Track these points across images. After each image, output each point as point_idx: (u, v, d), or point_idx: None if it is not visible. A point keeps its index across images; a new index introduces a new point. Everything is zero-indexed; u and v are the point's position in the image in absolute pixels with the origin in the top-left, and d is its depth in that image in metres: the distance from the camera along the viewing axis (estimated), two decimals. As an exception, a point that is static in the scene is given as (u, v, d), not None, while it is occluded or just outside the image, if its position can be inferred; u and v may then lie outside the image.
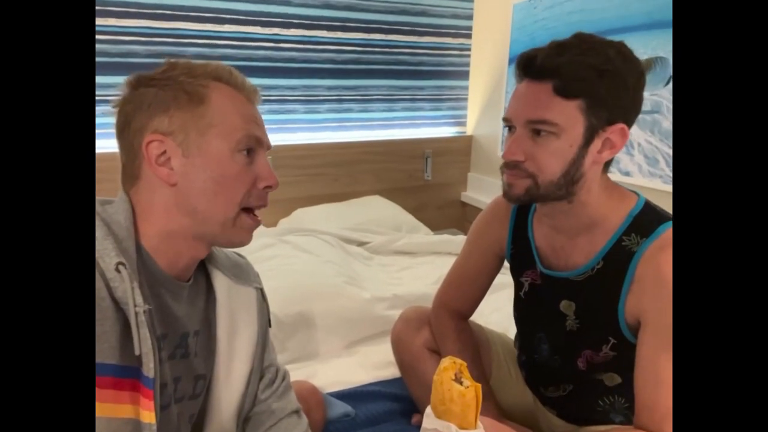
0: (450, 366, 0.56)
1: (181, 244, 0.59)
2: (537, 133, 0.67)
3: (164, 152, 0.56)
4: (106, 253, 0.52)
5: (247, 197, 0.59)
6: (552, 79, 0.64)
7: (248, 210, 0.61)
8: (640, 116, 1.52)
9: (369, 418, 1.03)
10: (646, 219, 0.70)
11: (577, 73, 0.63)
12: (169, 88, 0.57)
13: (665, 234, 0.67)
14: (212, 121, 0.57)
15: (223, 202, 0.58)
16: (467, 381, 0.56)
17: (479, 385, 0.56)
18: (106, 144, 1.79)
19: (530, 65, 0.66)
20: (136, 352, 0.52)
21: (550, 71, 0.64)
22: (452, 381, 0.55)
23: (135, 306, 0.52)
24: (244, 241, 0.62)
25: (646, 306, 0.67)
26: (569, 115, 0.65)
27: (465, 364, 0.57)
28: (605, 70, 0.63)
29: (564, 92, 0.64)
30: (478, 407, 0.56)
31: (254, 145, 0.60)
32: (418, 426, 0.60)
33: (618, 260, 0.70)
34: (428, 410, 0.57)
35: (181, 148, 0.56)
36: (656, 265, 0.66)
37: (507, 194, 0.73)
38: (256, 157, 0.60)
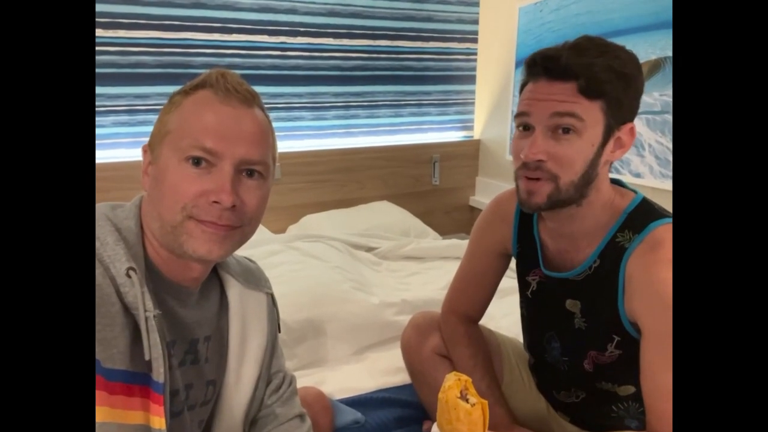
0: (455, 384, 0.55)
1: (170, 254, 0.58)
2: (560, 131, 0.65)
3: (149, 161, 0.58)
4: (117, 258, 0.53)
5: (190, 208, 0.54)
6: (576, 79, 0.64)
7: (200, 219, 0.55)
8: (651, 117, 1.51)
9: (379, 425, 1.02)
10: (639, 215, 0.70)
11: (601, 74, 0.63)
12: (171, 97, 0.58)
13: (656, 232, 0.67)
14: (169, 128, 0.56)
15: (167, 206, 0.54)
16: (473, 398, 0.55)
17: (485, 402, 0.55)
18: (116, 154, 1.82)
19: (554, 65, 0.65)
20: (146, 357, 0.52)
21: (575, 72, 0.64)
22: (458, 399, 0.54)
23: (145, 311, 0.52)
24: (197, 250, 0.55)
25: (639, 310, 0.67)
26: (592, 115, 0.65)
27: (470, 380, 0.56)
28: (624, 72, 0.65)
29: (588, 92, 0.64)
30: (485, 424, 0.55)
31: (204, 155, 0.54)
32: None
33: (612, 257, 0.70)
34: (434, 429, 0.57)
35: (153, 155, 0.57)
36: (645, 266, 0.65)
37: (526, 203, 0.70)
38: (213, 169, 0.55)
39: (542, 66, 0.66)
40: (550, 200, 0.68)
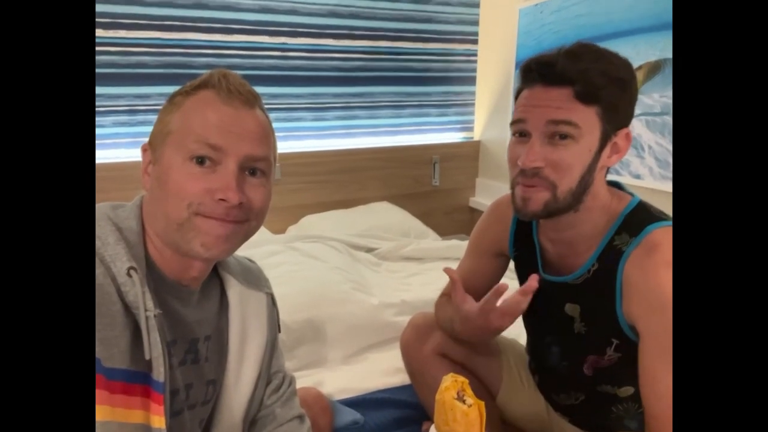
0: (452, 385, 0.56)
1: (173, 253, 0.58)
2: (557, 137, 0.65)
3: (150, 161, 0.58)
4: (118, 258, 0.53)
5: (196, 205, 0.54)
6: (572, 85, 0.64)
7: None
8: (651, 118, 1.52)
9: (378, 426, 1.02)
10: (636, 218, 0.70)
11: (596, 80, 0.64)
12: (172, 98, 0.59)
13: (652, 235, 0.66)
14: (171, 128, 0.56)
15: (173, 204, 0.54)
16: (470, 399, 0.55)
17: (482, 403, 0.55)
18: (117, 154, 1.82)
19: (549, 70, 0.65)
20: (147, 357, 0.52)
21: (570, 78, 0.64)
22: (455, 400, 0.54)
23: (146, 310, 0.52)
24: (205, 244, 0.55)
25: (637, 313, 0.67)
26: (588, 121, 0.65)
27: (467, 381, 0.57)
28: (619, 77, 0.65)
29: (584, 98, 0.64)
30: (482, 425, 0.55)
31: (209, 153, 0.54)
32: None
33: (610, 261, 0.70)
34: (432, 429, 0.57)
35: (155, 156, 0.57)
36: (642, 269, 0.65)
37: (522, 210, 0.69)
38: (217, 167, 0.55)
39: (538, 72, 0.66)
40: (547, 208, 0.68)
